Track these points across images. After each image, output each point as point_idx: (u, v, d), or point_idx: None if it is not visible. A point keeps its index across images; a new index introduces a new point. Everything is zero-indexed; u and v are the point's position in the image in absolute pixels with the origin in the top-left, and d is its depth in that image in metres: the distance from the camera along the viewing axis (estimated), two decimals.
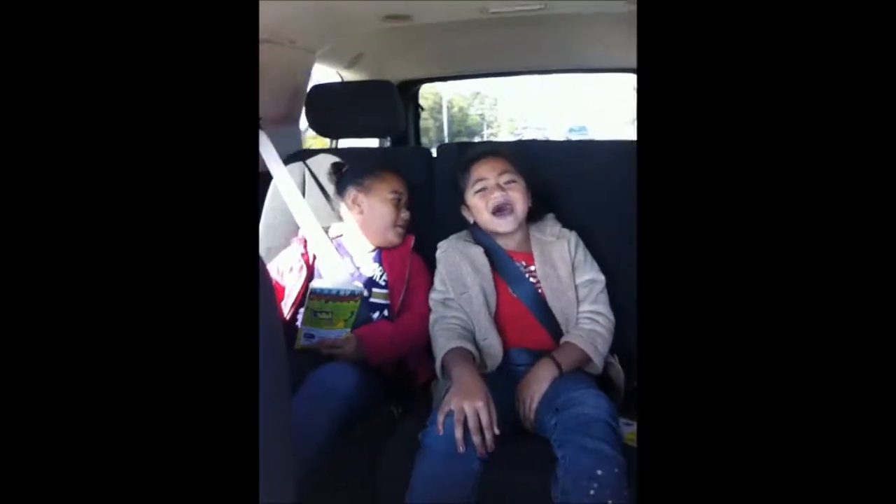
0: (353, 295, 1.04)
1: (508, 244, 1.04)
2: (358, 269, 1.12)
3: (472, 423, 0.79)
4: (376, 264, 1.12)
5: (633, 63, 1.59)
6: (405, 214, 1.12)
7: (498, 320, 0.99)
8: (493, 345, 0.96)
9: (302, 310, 1.07)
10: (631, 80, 1.82)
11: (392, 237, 1.11)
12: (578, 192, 1.14)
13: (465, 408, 0.79)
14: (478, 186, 1.03)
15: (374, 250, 1.14)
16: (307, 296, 1.05)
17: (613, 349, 1.00)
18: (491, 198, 1.01)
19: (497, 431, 0.80)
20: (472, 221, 1.07)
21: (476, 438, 0.78)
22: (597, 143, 1.42)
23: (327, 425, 0.84)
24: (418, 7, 1.26)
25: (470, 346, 0.94)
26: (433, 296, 1.03)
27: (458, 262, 1.02)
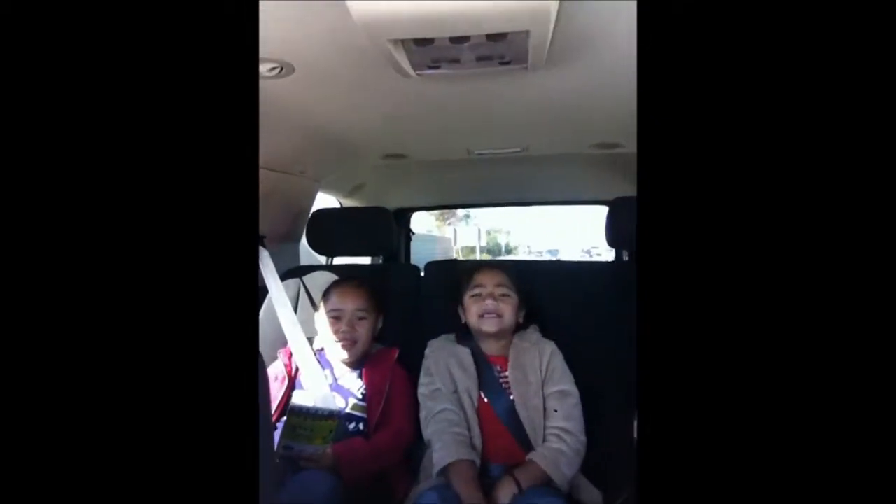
0: (331, 415, 1.05)
1: (490, 348, 1.09)
2: (336, 380, 1.13)
3: None
4: (355, 375, 1.14)
5: (606, 196, 1.75)
6: (344, 328, 1.13)
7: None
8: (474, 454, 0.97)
9: (283, 420, 1.06)
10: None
11: (338, 351, 1.13)
12: (563, 306, 1.21)
13: None
14: (474, 291, 1.11)
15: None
16: (288, 411, 1.06)
17: (590, 464, 0.99)
18: (483, 304, 1.09)
19: None
20: (463, 321, 1.14)
21: None
22: (581, 263, 1.53)
23: None
24: (413, 147, 1.45)
25: (474, 456, 0.95)
26: (421, 390, 1.05)
27: (446, 360, 1.07)
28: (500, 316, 1.08)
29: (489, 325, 1.08)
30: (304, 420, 1.04)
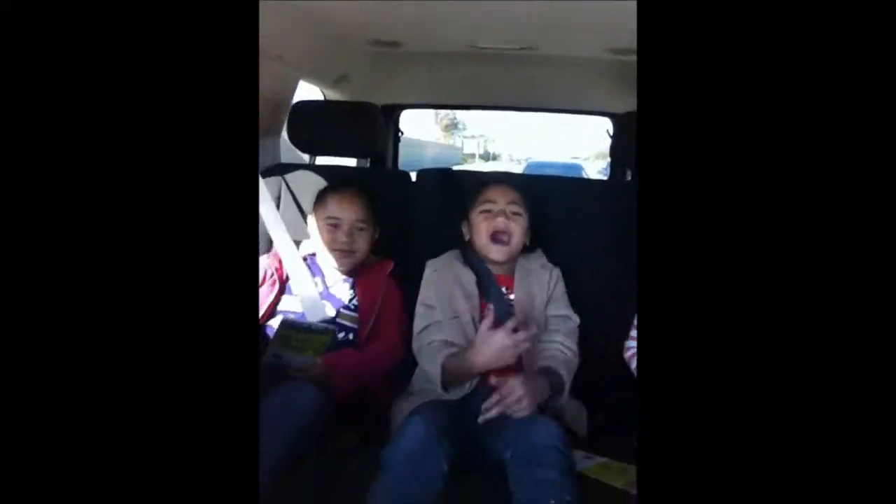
0: (325, 331, 1.02)
1: (496, 269, 1.05)
2: (328, 288, 1.10)
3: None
4: (347, 286, 1.10)
5: (613, 108, 1.65)
6: (343, 239, 1.07)
7: None
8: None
9: (271, 323, 1.05)
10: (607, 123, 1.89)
11: (333, 261, 1.09)
12: (571, 230, 1.17)
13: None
14: (485, 207, 1.04)
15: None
16: (280, 323, 1.03)
17: (580, 388, 1.00)
18: (494, 222, 1.02)
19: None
20: (467, 238, 1.08)
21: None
22: (595, 182, 1.46)
23: (283, 442, 0.82)
24: (407, 34, 1.29)
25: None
26: (419, 310, 1.03)
27: (449, 286, 1.02)
28: (508, 241, 1.02)
29: (497, 254, 1.03)
30: (295, 333, 1.02)
